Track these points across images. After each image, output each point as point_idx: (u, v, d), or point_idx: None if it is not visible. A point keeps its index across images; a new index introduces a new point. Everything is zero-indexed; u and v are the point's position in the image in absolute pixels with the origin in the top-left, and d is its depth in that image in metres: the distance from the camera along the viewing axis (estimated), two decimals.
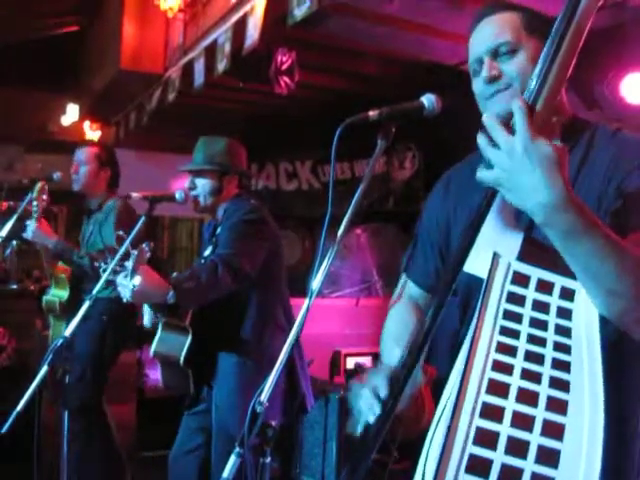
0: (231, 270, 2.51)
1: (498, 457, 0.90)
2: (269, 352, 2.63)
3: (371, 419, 1.21)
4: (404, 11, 4.06)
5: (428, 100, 1.51)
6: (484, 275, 1.06)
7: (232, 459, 1.29)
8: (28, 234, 3.41)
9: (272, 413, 2.64)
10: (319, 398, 3.73)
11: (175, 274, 2.57)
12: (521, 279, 1.04)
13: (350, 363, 4.25)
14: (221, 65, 4.82)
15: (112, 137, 8.57)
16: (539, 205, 1.01)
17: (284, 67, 4.67)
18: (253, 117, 6.81)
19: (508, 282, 1.04)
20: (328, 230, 1.42)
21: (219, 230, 2.77)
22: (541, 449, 0.90)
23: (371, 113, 1.46)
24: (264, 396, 1.31)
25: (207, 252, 2.81)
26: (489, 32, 1.37)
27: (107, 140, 8.69)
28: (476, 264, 1.07)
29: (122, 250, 2.44)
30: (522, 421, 0.91)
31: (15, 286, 9.32)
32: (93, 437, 3.49)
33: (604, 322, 1.05)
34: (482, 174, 1.06)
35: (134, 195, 2.79)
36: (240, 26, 4.49)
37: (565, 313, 1.01)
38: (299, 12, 3.72)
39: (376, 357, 3.72)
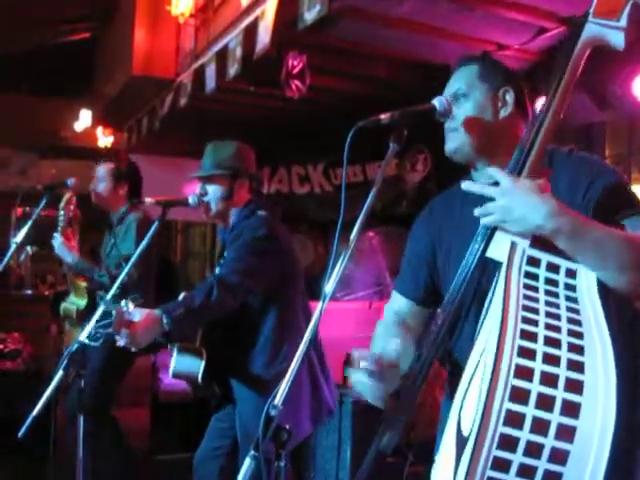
0: (229, 288, 2.52)
1: (530, 411, 1.11)
2: (292, 360, 2.62)
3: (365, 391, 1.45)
4: (414, 13, 4.06)
5: (440, 102, 1.52)
6: (503, 259, 1.29)
7: (247, 462, 1.30)
8: (54, 247, 3.47)
9: (302, 426, 2.66)
10: None
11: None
12: (534, 261, 1.28)
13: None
14: (232, 69, 4.83)
15: (124, 142, 8.61)
16: (544, 217, 1.25)
17: (295, 71, 4.68)
18: (264, 121, 6.82)
19: (524, 263, 1.28)
20: (341, 233, 1.43)
21: (226, 252, 2.77)
22: (565, 402, 1.12)
23: (383, 116, 1.47)
24: (278, 400, 1.31)
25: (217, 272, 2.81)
26: (451, 82, 1.65)
27: (119, 145, 8.74)
28: (497, 251, 1.31)
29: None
30: (551, 359, 1.15)
31: (30, 291, 9.39)
32: (102, 441, 3.51)
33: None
34: (487, 219, 1.31)
35: (147, 200, 2.80)
36: (251, 30, 4.50)
37: (571, 287, 1.25)
38: (309, 16, 3.72)
39: None
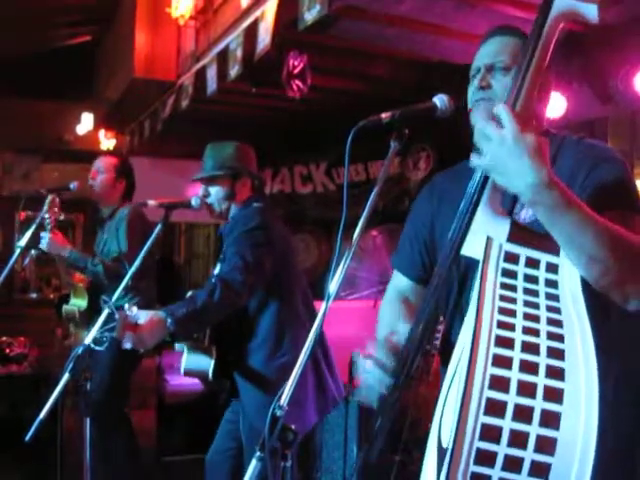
0: (232, 287, 2.53)
1: (507, 424, 1.04)
2: (293, 353, 2.64)
3: (382, 389, 1.37)
4: (415, 12, 4.05)
5: (440, 101, 1.52)
6: (479, 256, 1.22)
7: (253, 463, 1.30)
8: (43, 245, 3.50)
9: (308, 417, 2.67)
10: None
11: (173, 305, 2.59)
12: (512, 257, 1.20)
13: None
14: (233, 71, 4.83)
15: (127, 145, 8.61)
16: (527, 185, 1.17)
17: (296, 71, 4.68)
18: (266, 121, 6.83)
19: (501, 260, 1.20)
20: (344, 232, 1.43)
21: (225, 246, 2.78)
22: (544, 412, 1.05)
23: (384, 115, 1.47)
24: (283, 400, 1.31)
25: (217, 270, 2.82)
26: (492, 49, 1.57)
27: (122, 148, 8.75)
28: (472, 248, 1.24)
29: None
30: (529, 367, 1.07)
31: (35, 295, 9.41)
32: (110, 443, 3.51)
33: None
34: (476, 160, 1.24)
35: (150, 203, 2.82)
36: (251, 31, 4.50)
37: (552, 283, 1.18)
38: (310, 16, 3.72)
39: None
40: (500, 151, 1.18)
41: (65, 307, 3.79)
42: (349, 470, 3.65)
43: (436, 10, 3.99)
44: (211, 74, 5.30)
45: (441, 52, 4.50)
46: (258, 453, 1.28)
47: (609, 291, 1.21)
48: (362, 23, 4.25)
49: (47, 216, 3.49)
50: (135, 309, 2.35)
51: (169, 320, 2.42)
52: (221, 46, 5.29)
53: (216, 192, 2.80)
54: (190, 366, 2.75)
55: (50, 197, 3.50)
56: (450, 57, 4.51)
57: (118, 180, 3.74)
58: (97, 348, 2.45)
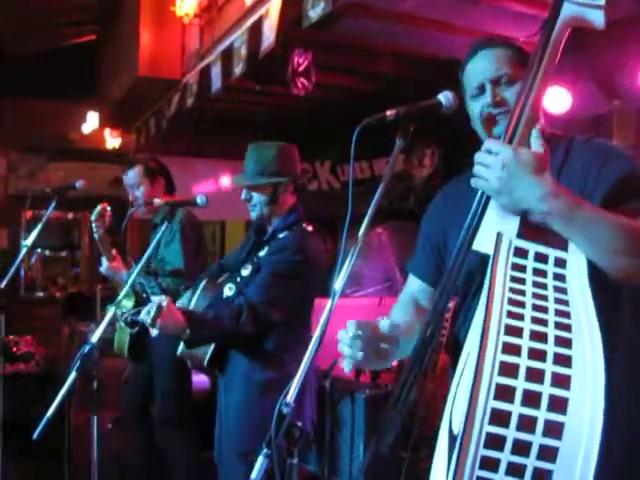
0: (256, 319, 2.57)
1: (516, 409, 1.08)
2: (284, 371, 2.63)
3: (355, 357, 1.41)
4: (419, 8, 4.05)
5: (445, 97, 1.52)
6: (490, 251, 1.26)
7: (260, 460, 1.30)
8: (102, 270, 3.51)
9: (308, 423, 2.68)
10: (345, 397, 3.74)
11: (200, 312, 2.61)
12: (521, 252, 1.24)
13: None
14: (238, 69, 4.83)
15: (132, 143, 8.63)
16: (538, 198, 1.22)
17: (301, 68, 4.68)
18: (271, 119, 6.83)
19: (511, 255, 1.24)
20: (349, 230, 1.43)
21: (264, 252, 2.76)
22: (552, 397, 1.09)
23: (388, 113, 1.47)
24: (290, 397, 1.32)
25: (246, 272, 2.75)
26: (489, 63, 1.56)
27: (127, 146, 8.77)
28: (483, 243, 1.29)
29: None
30: (537, 354, 1.11)
31: (41, 294, 9.45)
32: (183, 448, 3.54)
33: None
34: (482, 184, 1.28)
35: (156, 201, 2.81)
36: (256, 29, 4.50)
37: (560, 277, 1.22)
38: (314, 13, 3.72)
39: None
40: (504, 174, 1.23)
41: (116, 310, 3.76)
42: (356, 466, 3.66)
43: (440, 7, 3.99)
44: (216, 72, 5.31)
45: (445, 49, 4.50)
46: (265, 450, 1.29)
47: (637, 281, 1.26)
48: (366, 20, 4.25)
49: (95, 225, 3.46)
50: (167, 300, 2.39)
51: (188, 332, 2.48)
52: (225, 44, 5.30)
53: (258, 197, 2.76)
54: (187, 351, 2.75)
55: (100, 206, 3.45)
56: (455, 54, 4.49)
57: (156, 181, 3.66)
58: (130, 330, 2.50)
